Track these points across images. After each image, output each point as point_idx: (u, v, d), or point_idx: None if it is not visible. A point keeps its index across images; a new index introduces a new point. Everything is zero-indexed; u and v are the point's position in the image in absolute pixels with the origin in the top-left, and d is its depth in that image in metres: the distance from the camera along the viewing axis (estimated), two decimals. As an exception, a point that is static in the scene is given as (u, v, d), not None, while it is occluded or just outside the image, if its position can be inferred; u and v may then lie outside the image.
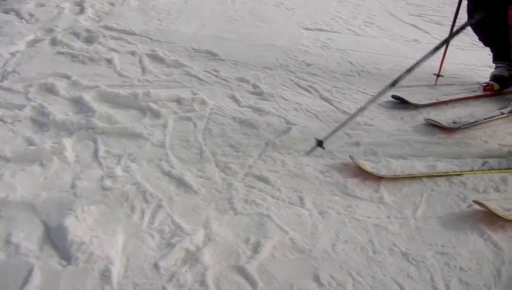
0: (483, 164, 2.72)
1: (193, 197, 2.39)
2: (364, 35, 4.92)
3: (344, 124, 2.79)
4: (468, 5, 3.67)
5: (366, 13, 5.57)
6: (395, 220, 2.30)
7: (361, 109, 2.78)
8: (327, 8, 5.58)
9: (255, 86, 3.60)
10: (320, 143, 2.73)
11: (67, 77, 3.58)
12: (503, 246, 2.17)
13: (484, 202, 2.34)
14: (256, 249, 2.08)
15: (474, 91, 3.71)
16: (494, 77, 3.76)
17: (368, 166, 2.60)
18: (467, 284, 1.97)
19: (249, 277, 1.94)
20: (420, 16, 5.64)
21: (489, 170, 2.69)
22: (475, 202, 2.37)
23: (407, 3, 6.11)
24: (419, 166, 2.65)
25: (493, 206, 2.32)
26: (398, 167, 2.62)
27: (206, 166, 2.63)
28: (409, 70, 2.71)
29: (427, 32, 5.07)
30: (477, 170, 2.67)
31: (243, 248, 2.09)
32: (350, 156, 2.68)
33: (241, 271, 1.97)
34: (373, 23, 5.28)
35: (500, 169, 2.69)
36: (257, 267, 1.99)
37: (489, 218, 2.31)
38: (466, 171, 2.66)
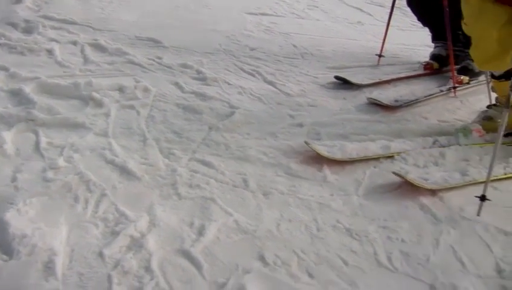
0: (434, 142, 2.79)
1: (137, 185, 2.37)
2: (308, 18, 4.96)
3: None
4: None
5: (310, -3, 5.60)
6: (338, 198, 2.35)
7: None
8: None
9: (198, 72, 3.58)
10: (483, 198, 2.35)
11: (5, 69, 3.47)
12: (441, 217, 2.25)
13: (402, 174, 2.42)
14: (200, 232, 2.08)
15: (415, 70, 3.81)
16: (433, 56, 3.85)
17: (323, 150, 2.61)
18: (408, 255, 2.03)
19: (193, 260, 1.94)
20: (363, -1, 5.71)
21: (440, 147, 2.74)
22: (394, 173, 2.44)
23: (351, -14, 6.17)
24: (373, 147, 2.68)
25: (411, 176, 2.41)
26: (353, 150, 2.64)
27: (150, 153, 2.62)
28: None
29: (370, 14, 5.14)
30: (429, 149, 2.73)
31: (187, 231, 2.09)
32: (305, 142, 2.68)
33: (186, 255, 1.97)
34: (317, 7, 5.31)
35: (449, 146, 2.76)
36: (202, 250, 1.99)
37: (429, 191, 2.38)
38: (418, 149, 2.71)
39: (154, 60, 3.79)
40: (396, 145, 2.72)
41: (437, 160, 2.64)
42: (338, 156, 2.59)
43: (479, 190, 2.29)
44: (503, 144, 2.77)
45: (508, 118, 2.79)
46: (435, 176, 2.46)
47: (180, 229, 2.10)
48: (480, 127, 2.82)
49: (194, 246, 2.00)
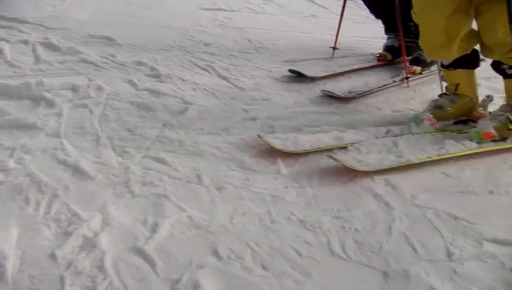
0: (386, 132, 2.82)
1: (89, 184, 2.34)
2: (263, 13, 4.99)
3: None
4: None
5: (265, -9, 5.62)
6: (292, 190, 2.36)
7: None
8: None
9: (152, 69, 3.57)
10: None
11: (-49, 70, 3.41)
12: (393, 204, 2.28)
13: (336, 157, 2.48)
14: (154, 229, 2.07)
15: (369, 62, 3.86)
16: (386, 48, 3.92)
17: (276, 143, 2.62)
18: (361, 243, 2.05)
19: (147, 257, 1.93)
20: (318, -9, 5.75)
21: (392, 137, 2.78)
22: (328, 156, 2.49)
23: (306, -20, 6.21)
24: (326, 139, 2.70)
25: (346, 159, 2.47)
26: (306, 141, 2.66)
27: (103, 152, 2.59)
28: None
29: (325, 8, 5.19)
30: (382, 138, 2.76)
31: (140, 229, 2.07)
32: (258, 135, 2.69)
33: (140, 252, 1.95)
34: (272, 1, 5.35)
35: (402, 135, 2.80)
36: (155, 247, 1.98)
37: (382, 180, 2.42)
38: (370, 139, 2.74)
39: (107, 58, 3.75)
40: (349, 136, 2.74)
41: (390, 149, 2.68)
42: (291, 148, 2.61)
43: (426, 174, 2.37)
44: (452, 131, 2.85)
45: (456, 106, 2.89)
46: (369, 158, 2.51)
47: (133, 227, 2.08)
48: (431, 115, 2.87)
49: (147, 244, 1.99)
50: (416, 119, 2.86)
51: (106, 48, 3.96)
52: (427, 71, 3.69)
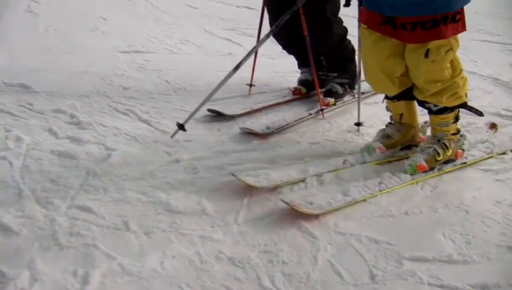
0: (344, 162, 2.97)
1: (14, 239, 2.30)
2: (180, 53, 5.04)
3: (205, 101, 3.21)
4: (269, 18, 3.95)
5: (182, 31, 5.67)
6: (219, 229, 2.43)
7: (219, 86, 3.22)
8: (143, 29, 5.60)
9: (72, 116, 3.52)
10: (181, 126, 3.13)
11: None
12: (318, 234, 2.40)
13: (287, 201, 2.56)
14: (85, 280, 2.07)
15: (285, 96, 4.00)
16: (300, 82, 4.08)
17: (250, 180, 2.69)
18: (289, 275, 2.15)
19: (79, 309, 1.94)
20: (233, 30, 5.87)
21: (350, 166, 2.94)
22: (282, 200, 2.57)
23: (221, 19, 6.31)
24: (294, 173, 2.81)
25: (297, 203, 2.56)
26: (277, 177, 2.75)
27: (26, 205, 2.54)
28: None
29: (240, 45, 5.29)
30: (341, 168, 2.91)
31: (71, 281, 2.07)
32: (232, 173, 2.74)
33: (72, 305, 1.96)
34: (189, 41, 5.41)
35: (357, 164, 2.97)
36: (87, 298, 1.99)
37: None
38: (332, 170, 2.88)
39: (25, 107, 3.67)
40: (313, 169, 2.86)
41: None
42: (264, 184, 2.70)
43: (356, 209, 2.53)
44: (399, 158, 3.09)
45: (402, 134, 3.11)
46: (319, 199, 2.61)
47: (63, 280, 2.07)
48: (381, 144, 3.08)
49: (79, 296, 1.99)
50: (369, 149, 3.06)
51: (23, 96, 3.87)
52: (340, 102, 3.88)
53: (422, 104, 3.00)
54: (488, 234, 2.45)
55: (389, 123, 3.22)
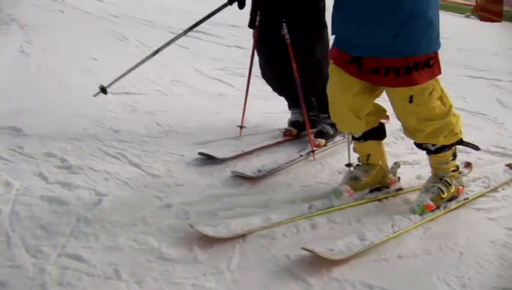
0: (309, 207, 2.93)
1: (2, 291, 2.27)
2: (171, 94, 5.05)
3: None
4: (259, 61, 4.00)
5: (173, 72, 5.70)
6: (212, 276, 2.40)
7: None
8: (134, 70, 5.64)
9: (62, 160, 3.50)
10: (103, 89, 3.59)
11: None
12: (311, 280, 2.38)
13: (309, 248, 2.50)
14: (74, 333, 2.04)
15: (276, 138, 3.99)
16: (291, 123, 4.10)
17: (209, 231, 2.65)
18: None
19: None
20: (224, 70, 5.91)
21: (317, 211, 2.90)
22: (303, 248, 2.51)
23: (212, 59, 6.35)
24: (255, 220, 2.77)
25: (318, 249, 2.50)
26: (237, 225, 2.71)
27: (15, 253, 2.50)
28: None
29: (231, 85, 5.33)
30: (307, 215, 2.88)
31: (60, 335, 2.03)
32: (190, 225, 2.69)
33: None
34: (179, 81, 5.43)
35: (324, 210, 2.93)
36: None
37: (299, 257, 2.52)
38: (296, 217, 2.84)
39: (15, 151, 3.63)
40: (276, 216, 2.82)
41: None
42: (223, 234, 2.64)
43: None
44: (370, 201, 3.08)
45: (370, 176, 3.10)
46: (337, 245, 2.57)
47: (52, 333, 2.04)
48: (349, 187, 3.06)
49: None
50: (336, 193, 3.03)
51: (13, 139, 3.83)
52: (331, 143, 3.89)
53: (419, 145, 3.01)
54: (484, 276, 2.45)
55: (357, 165, 3.21)
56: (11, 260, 2.47)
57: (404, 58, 2.72)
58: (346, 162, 3.45)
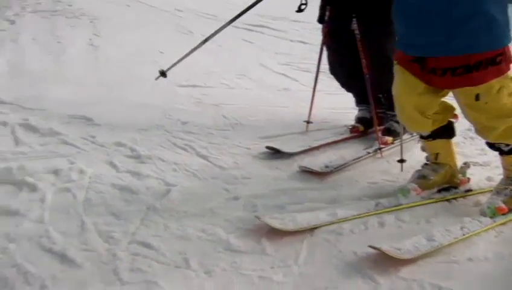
0: (376, 205, 2.89)
1: (78, 272, 2.34)
2: (238, 88, 5.09)
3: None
4: (328, 56, 3.96)
5: (239, 66, 5.74)
6: (279, 270, 2.39)
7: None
8: (200, 63, 5.70)
9: (132, 150, 3.59)
10: (163, 73, 3.93)
11: None
12: (379, 279, 2.33)
13: (377, 246, 2.46)
14: (146, 317, 2.08)
15: (342, 134, 3.96)
16: (358, 119, 4.04)
17: (276, 223, 2.65)
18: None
19: None
20: (288, 65, 5.89)
21: (384, 209, 2.86)
22: (370, 246, 2.48)
23: (276, 53, 6.34)
24: (322, 215, 2.76)
25: (386, 248, 2.46)
26: (304, 219, 2.71)
27: (89, 238, 2.59)
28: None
29: (296, 80, 5.32)
30: (373, 212, 2.84)
31: (132, 318, 2.08)
32: (256, 216, 2.71)
33: None
34: (245, 75, 5.45)
35: (391, 208, 2.88)
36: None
37: (366, 255, 2.48)
38: (363, 214, 2.81)
39: (87, 139, 3.77)
40: (343, 212, 2.79)
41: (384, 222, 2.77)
42: (290, 227, 2.64)
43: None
44: (437, 201, 2.99)
45: (439, 175, 3.02)
46: (405, 244, 2.52)
47: (125, 315, 2.09)
48: (417, 186, 2.99)
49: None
50: (403, 191, 2.97)
51: (86, 128, 3.99)
52: (398, 141, 3.82)
53: (492, 145, 2.92)
54: None
55: (425, 164, 3.13)
56: (85, 243, 2.56)
57: (462, 56, 2.63)
58: (415, 160, 3.39)
